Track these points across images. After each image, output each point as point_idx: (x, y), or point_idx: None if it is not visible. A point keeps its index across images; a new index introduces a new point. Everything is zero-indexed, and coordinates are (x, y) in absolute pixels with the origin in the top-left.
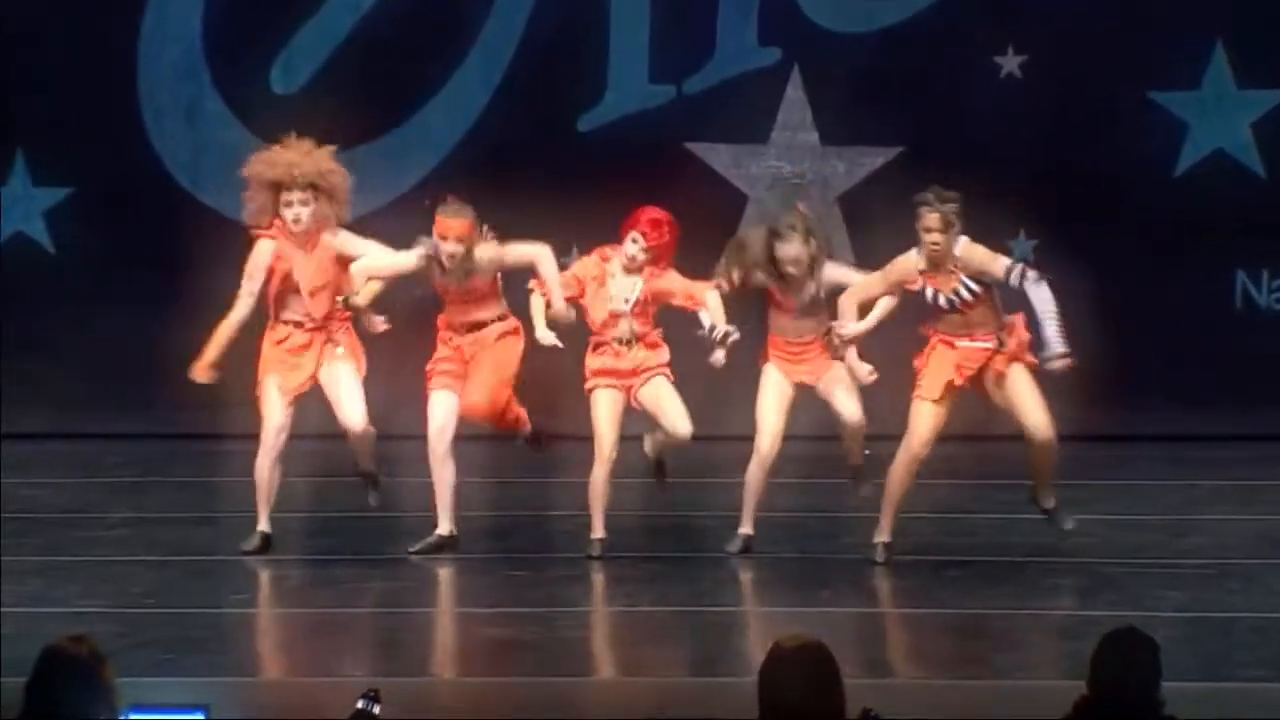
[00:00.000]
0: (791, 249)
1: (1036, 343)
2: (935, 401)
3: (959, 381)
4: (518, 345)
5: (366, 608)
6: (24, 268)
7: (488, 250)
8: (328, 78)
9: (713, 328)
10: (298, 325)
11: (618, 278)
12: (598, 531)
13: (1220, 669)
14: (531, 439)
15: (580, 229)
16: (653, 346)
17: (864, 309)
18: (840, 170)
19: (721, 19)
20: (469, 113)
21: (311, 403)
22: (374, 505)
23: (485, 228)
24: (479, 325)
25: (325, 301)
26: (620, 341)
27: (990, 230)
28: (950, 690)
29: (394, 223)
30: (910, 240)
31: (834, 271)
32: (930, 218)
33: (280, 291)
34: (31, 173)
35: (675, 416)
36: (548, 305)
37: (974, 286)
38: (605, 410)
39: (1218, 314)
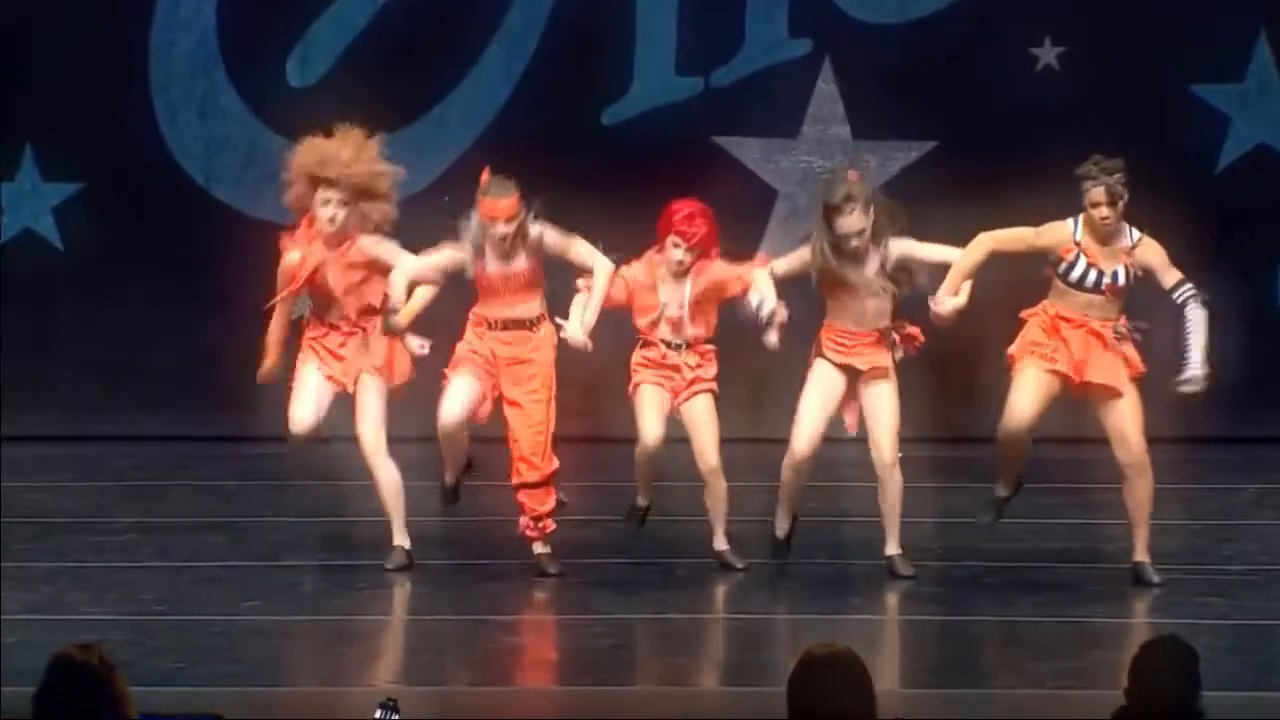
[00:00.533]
0: (853, 222)
1: (1176, 361)
2: (1043, 364)
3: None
4: (550, 378)
5: (382, 614)
6: (32, 266)
7: (538, 229)
8: (345, 70)
9: (761, 304)
10: (333, 327)
11: (668, 283)
12: (643, 499)
13: (1265, 678)
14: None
15: (604, 227)
16: (704, 356)
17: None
18: (872, 165)
19: (751, 9)
20: (490, 106)
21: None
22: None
23: (532, 207)
24: (515, 324)
25: (359, 299)
26: (669, 346)
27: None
28: (984, 700)
29: (411, 220)
30: (945, 236)
31: (901, 244)
32: (1096, 192)
33: (314, 293)
34: (40, 168)
35: (707, 444)
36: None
37: (1136, 273)
38: (650, 401)
39: (1259, 312)
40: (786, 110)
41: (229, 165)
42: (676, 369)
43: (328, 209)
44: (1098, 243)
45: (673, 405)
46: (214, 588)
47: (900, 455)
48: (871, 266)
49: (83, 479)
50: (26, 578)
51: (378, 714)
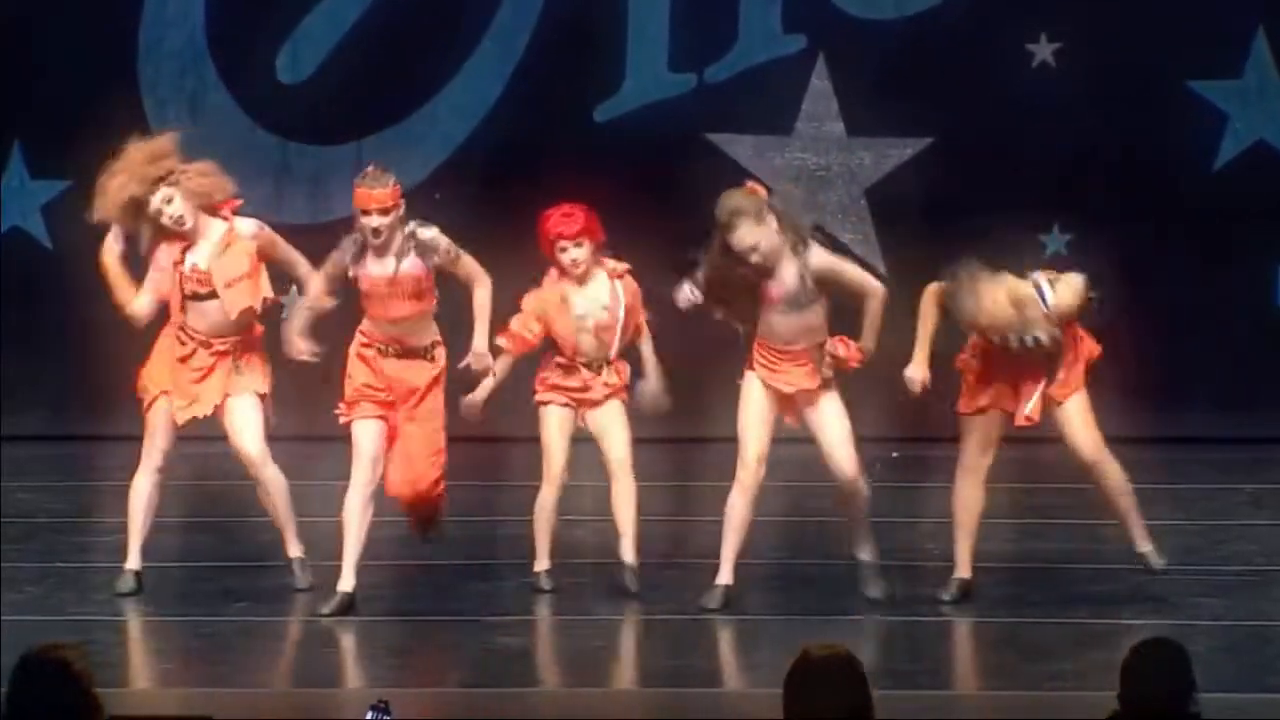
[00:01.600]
0: (744, 236)
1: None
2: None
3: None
4: (441, 402)
5: (372, 616)
6: (21, 264)
7: (428, 233)
8: (336, 67)
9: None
10: (204, 344)
11: (578, 294)
12: (542, 562)
13: (1260, 679)
14: (428, 526)
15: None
16: (620, 370)
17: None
18: (867, 162)
19: (744, 5)
20: (482, 103)
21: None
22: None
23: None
24: (410, 353)
25: (240, 300)
26: (589, 367)
27: (1023, 223)
28: (980, 701)
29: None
30: (940, 236)
31: (823, 257)
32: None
33: (183, 292)
34: (29, 165)
35: (618, 444)
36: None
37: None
38: (555, 428)
39: (1258, 311)
40: (780, 107)
41: (219, 162)
42: (589, 388)
43: (166, 209)
44: None
45: (578, 418)
46: (202, 588)
47: (895, 454)
48: (788, 277)
49: (70, 479)
50: (13, 578)
51: (369, 716)
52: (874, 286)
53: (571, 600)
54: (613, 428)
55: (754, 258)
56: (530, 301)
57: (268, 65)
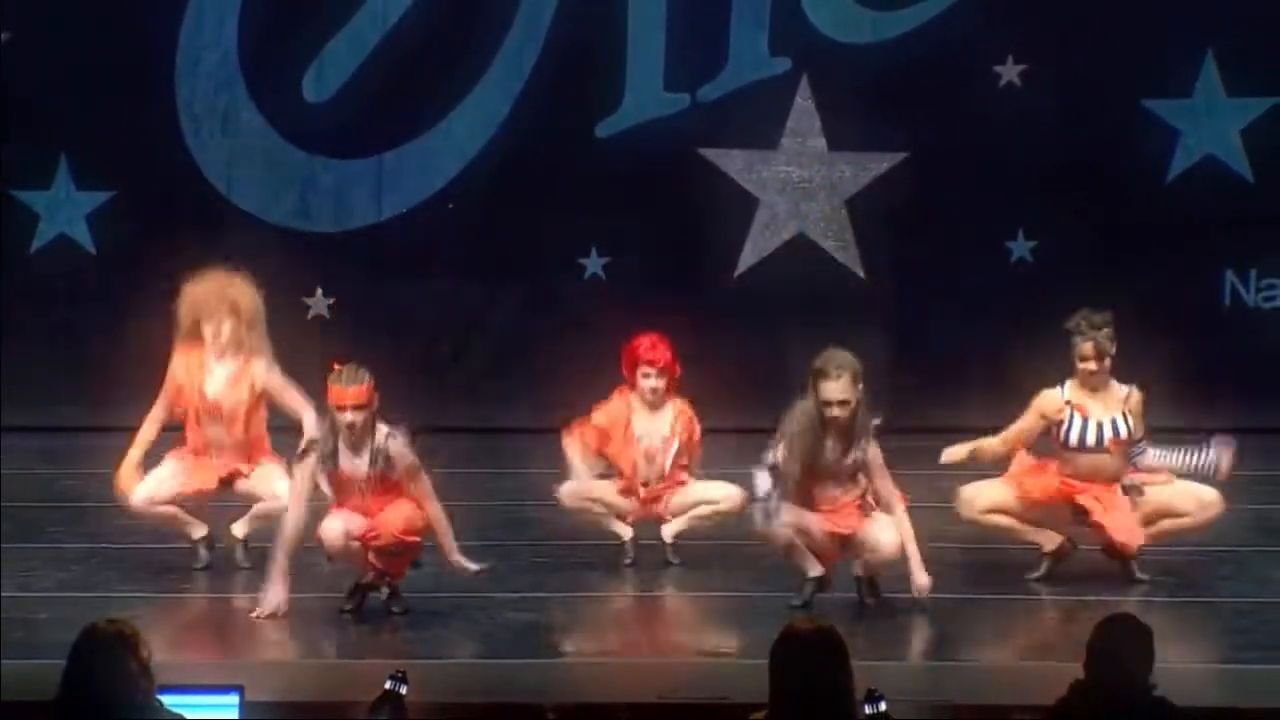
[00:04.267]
0: (837, 388)
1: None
2: (1020, 495)
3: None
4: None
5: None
6: (67, 268)
7: (397, 446)
8: (357, 87)
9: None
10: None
11: (642, 415)
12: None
13: (1210, 651)
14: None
15: (598, 232)
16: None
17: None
18: (847, 175)
19: (734, 30)
20: (492, 120)
21: None
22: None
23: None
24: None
25: (242, 428)
26: (645, 485)
27: (991, 231)
28: (951, 672)
29: (419, 223)
30: (915, 240)
31: (876, 453)
32: (1085, 347)
33: (192, 411)
34: (75, 177)
35: (720, 493)
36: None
37: (1131, 424)
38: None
39: (1208, 312)
40: (767, 124)
41: (249, 175)
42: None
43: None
44: (1089, 398)
45: (661, 515)
46: (236, 567)
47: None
48: (849, 457)
49: (114, 467)
50: (61, 557)
51: (388, 684)
52: (897, 505)
53: (572, 575)
54: (706, 491)
55: (835, 411)
56: (599, 416)
57: (295, 85)
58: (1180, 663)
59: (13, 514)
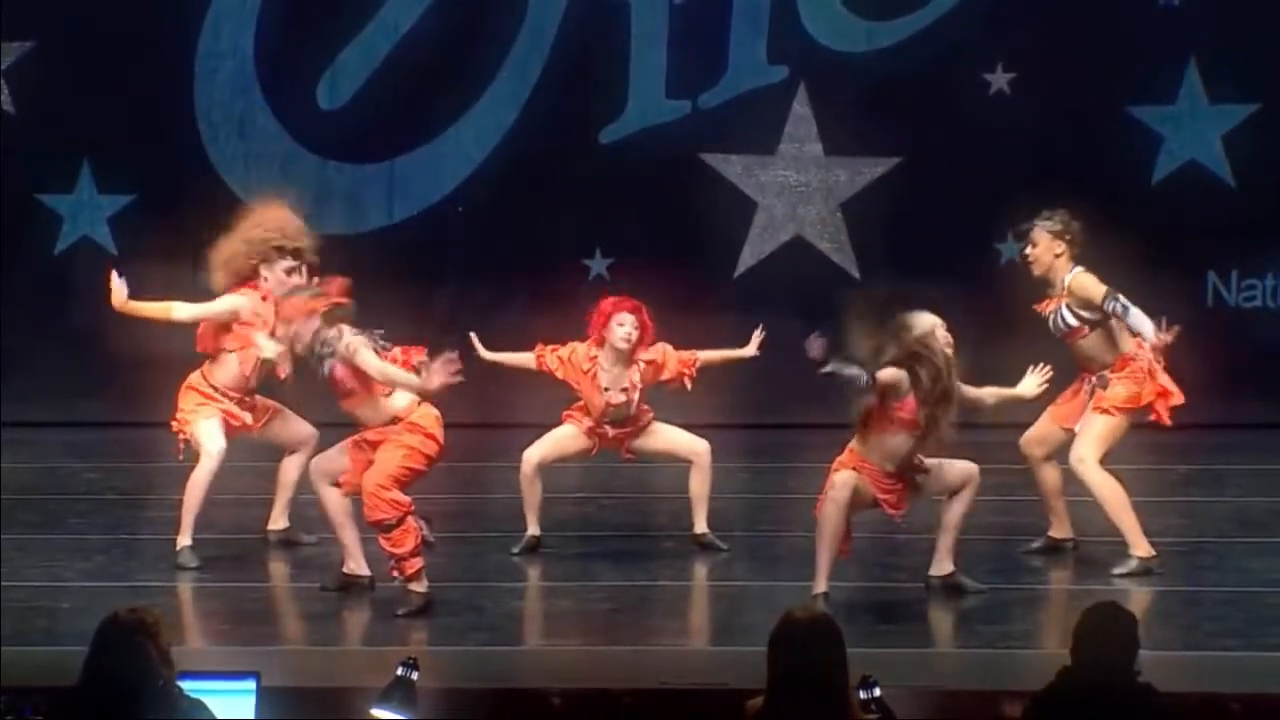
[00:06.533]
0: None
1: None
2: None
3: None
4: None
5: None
6: (90, 269)
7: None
8: (369, 94)
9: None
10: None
11: (608, 370)
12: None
13: (1191, 639)
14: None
15: (602, 234)
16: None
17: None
18: (843, 179)
19: (733, 39)
20: (500, 127)
21: None
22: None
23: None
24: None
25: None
26: (610, 422)
27: (981, 233)
28: (944, 659)
29: (429, 225)
30: (908, 242)
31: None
32: (1033, 234)
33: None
34: (97, 182)
35: (687, 440)
36: None
37: (1069, 319)
38: (563, 436)
39: (1191, 313)
40: (765, 130)
41: (265, 179)
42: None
43: (293, 275)
44: (1045, 287)
45: (622, 450)
46: (254, 557)
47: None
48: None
49: (134, 460)
50: (84, 548)
51: (399, 670)
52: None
53: (579, 565)
54: (669, 434)
55: (938, 360)
56: (565, 350)
57: (309, 93)
58: (1163, 649)
59: (38, 506)
